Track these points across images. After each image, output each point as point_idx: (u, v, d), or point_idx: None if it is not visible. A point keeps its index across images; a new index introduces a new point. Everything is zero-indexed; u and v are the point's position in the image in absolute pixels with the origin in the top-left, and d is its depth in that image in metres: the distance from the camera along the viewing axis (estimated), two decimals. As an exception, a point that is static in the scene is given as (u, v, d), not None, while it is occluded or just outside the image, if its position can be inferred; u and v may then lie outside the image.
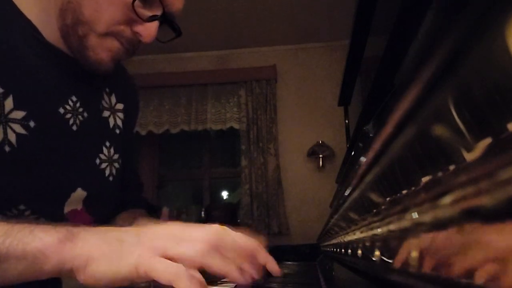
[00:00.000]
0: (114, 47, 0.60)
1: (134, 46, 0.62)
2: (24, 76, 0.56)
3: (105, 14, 0.57)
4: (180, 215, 2.88)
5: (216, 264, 0.40)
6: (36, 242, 0.38)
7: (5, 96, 0.53)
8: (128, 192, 0.80)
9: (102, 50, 0.59)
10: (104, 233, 0.41)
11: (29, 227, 0.40)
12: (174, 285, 0.37)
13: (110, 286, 0.39)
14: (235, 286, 0.57)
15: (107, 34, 0.58)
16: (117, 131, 0.74)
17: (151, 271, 0.38)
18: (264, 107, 2.87)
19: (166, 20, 0.62)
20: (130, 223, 0.73)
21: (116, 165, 0.72)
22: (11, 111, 0.54)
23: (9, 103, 0.54)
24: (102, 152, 0.69)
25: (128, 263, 0.38)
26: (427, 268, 0.21)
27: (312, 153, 2.79)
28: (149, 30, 0.59)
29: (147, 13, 0.59)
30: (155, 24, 0.60)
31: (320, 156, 2.77)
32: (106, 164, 0.70)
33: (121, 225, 0.74)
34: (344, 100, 1.61)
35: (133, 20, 0.58)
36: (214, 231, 0.44)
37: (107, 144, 0.71)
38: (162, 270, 0.38)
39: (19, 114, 0.55)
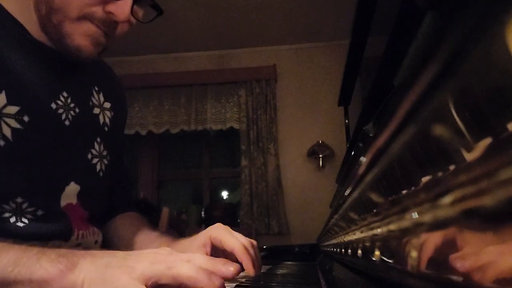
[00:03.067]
0: (90, 31, 0.60)
1: (110, 27, 0.61)
2: (14, 73, 0.57)
3: None
4: (180, 215, 2.88)
5: (184, 271, 0.41)
6: (42, 271, 0.42)
7: None
8: (117, 193, 0.82)
9: (79, 36, 0.59)
10: (97, 259, 0.44)
11: (37, 256, 0.44)
12: None
13: None
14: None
15: (80, 18, 0.58)
16: (106, 128, 0.75)
17: None
18: (264, 107, 2.87)
19: None
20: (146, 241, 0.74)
21: (105, 161, 0.74)
22: (4, 106, 0.55)
23: (2, 98, 0.55)
24: (93, 148, 0.71)
25: (109, 286, 0.40)
26: (427, 268, 0.21)
27: (312, 153, 2.79)
28: (121, 8, 0.59)
29: None
30: (128, 2, 0.59)
31: (320, 156, 2.77)
32: (97, 159, 0.71)
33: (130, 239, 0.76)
34: (344, 100, 1.61)
35: (104, 0, 0.58)
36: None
37: (98, 140, 0.72)
38: None
39: (12, 109, 0.56)
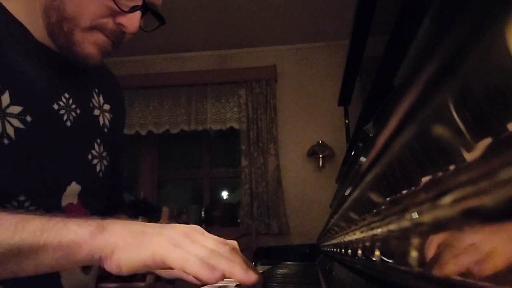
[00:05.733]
0: (99, 40, 0.61)
1: (119, 37, 0.63)
2: (18, 73, 0.58)
3: (87, 8, 0.58)
4: (180, 215, 2.87)
5: (223, 265, 0.43)
6: (71, 234, 0.43)
7: (1, 91, 0.55)
8: (112, 195, 0.83)
9: (89, 44, 0.61)
10: (130, 225, 0.45)
11: (63, 221, 0.45)
12: (186, 271, 0.41)
13: (132, 273, 0.43)
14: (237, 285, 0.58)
15: (91, 28, 0.60)
16: (105, 130, 0.76)
17: (166, 258, 0.41)
18: (264, 107, 2.87)
19: (148, 9, 0.63)
20: None
21: (105, 162, 0.75)
22: (8, 106, 0.56)
23: (5, 98, 0.56)
24: (93, 148, 0.72)
25: (147, 251, 0.42)
26: (427, 268, 0.21)
27: (312, 153, 2.79)
28: (131, 21, 0.61)
29: (128, 3, 0.60)
30: (137, 14, 0.61)
31: (320, 156, 2.77)
32: (97, 160, 0.72)
33: None
34: (344, 100, 1.61)
35: (115, 12, 0.60)
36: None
37: (98, 141, 0.73)
38: (175, 257, 0.41)
39: (16, 109, 0.57)
